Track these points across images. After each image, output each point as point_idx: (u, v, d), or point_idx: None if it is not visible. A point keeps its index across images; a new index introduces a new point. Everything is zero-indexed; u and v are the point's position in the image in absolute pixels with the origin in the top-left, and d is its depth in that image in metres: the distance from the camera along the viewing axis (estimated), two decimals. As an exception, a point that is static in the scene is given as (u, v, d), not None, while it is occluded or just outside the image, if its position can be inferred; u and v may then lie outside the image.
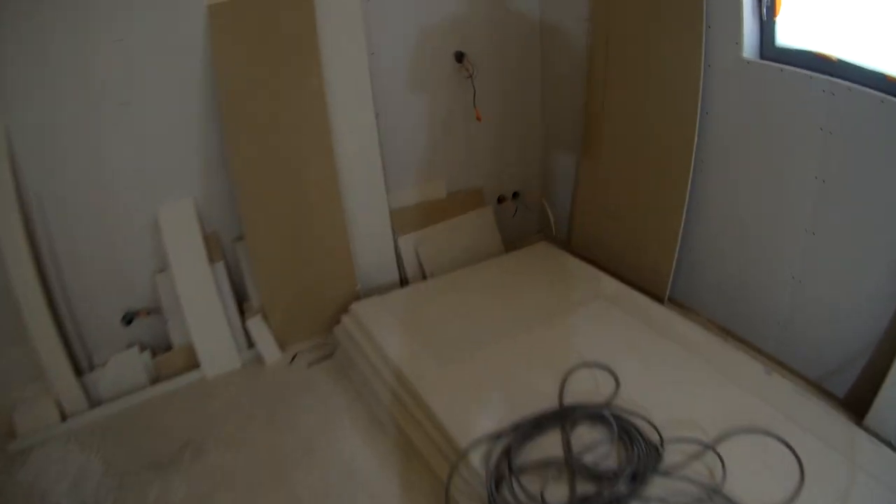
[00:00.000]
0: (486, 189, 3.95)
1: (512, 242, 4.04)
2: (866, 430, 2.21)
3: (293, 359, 3.20)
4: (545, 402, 2.37)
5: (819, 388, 2.65)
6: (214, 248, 3.17)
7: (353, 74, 3.16)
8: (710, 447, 2.07)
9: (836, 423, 2.24)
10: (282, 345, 3.26)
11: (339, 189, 3.23)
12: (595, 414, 2.26)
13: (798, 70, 2.44)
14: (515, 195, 4.15)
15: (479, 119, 3.54)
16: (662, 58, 2.97)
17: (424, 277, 3.60)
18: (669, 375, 2.50)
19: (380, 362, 2.75)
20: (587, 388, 2.46)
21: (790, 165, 2.59)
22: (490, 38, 3.58)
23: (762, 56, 2.64)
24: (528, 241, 4.00)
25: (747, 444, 2.10)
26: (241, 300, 3.39)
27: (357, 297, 3.38)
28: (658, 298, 3.15)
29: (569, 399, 2.40)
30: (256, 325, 3.25)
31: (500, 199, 4.09)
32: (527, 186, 4.16)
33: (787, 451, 2.04)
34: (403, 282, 3.65)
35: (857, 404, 2.41)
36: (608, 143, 3.43)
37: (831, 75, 2.33)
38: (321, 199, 3.20)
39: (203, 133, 3.03)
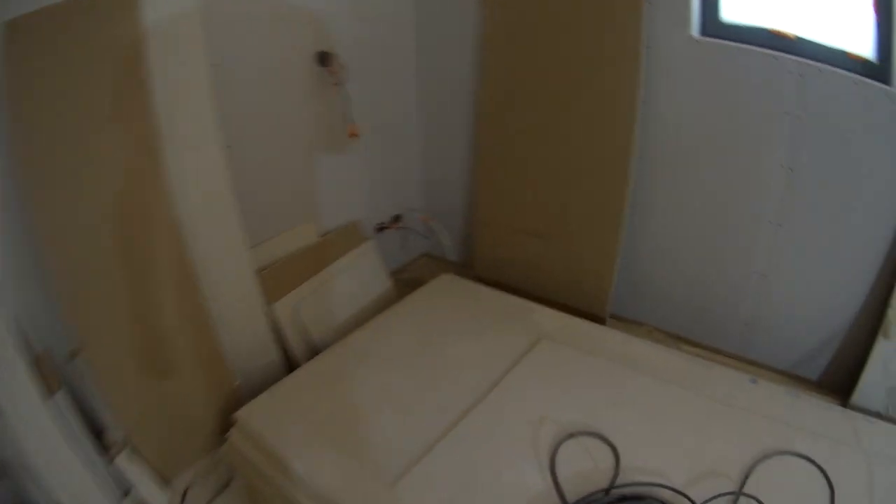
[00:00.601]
0: (364, 219, 3.27)
1: (403, 274, 3.44)
2: (854, 408, 2.21)
3: (183, 498, 2.27)
4: (542, 501, 1.79)
5: (793, 376, 2.59)
6: (50, 373, 2.08)
7: (192, 94, 2.20)
8: (744, 494, 1.79)
9: (835, 414, 2.11)
10: (165, 480, 2.30)
11: (186, 256, 2.30)
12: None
13: (762, 50, 2.17)
14: (397, 218, 3.49)
15: (354, 136, 2.82)
16: (589, 41, 2.49)
17: (315, 350, 2.79)
18: (661, 420, 2.10)
19: (301, 496, 1.95)
20: (583, 469, 1.93)
21: (754, 155, 2.35)
22: (358, 31, 2.88)
23: (704, 34, 2.31)
24: (419, 270, 3.40)
25: (770, 472, 1.87)
26: (98, 433, 2.33)
27: (238, 397, 2.49)
28: (598, 318, 2.72)
29: (567, 489, 1.84)
30: (127, 462, 2.24)
31: (381, 228, 3.39)
32: (409, 207, 3.56)
33: (806, 463, 1.88)
34: (290, 360, 2.80)
35: (836, 384, 2.44)
36: (517, 148, 2.91)
37: (794, 55, 2.12)
38: (166, 274, 2.26)
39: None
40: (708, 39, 2.29)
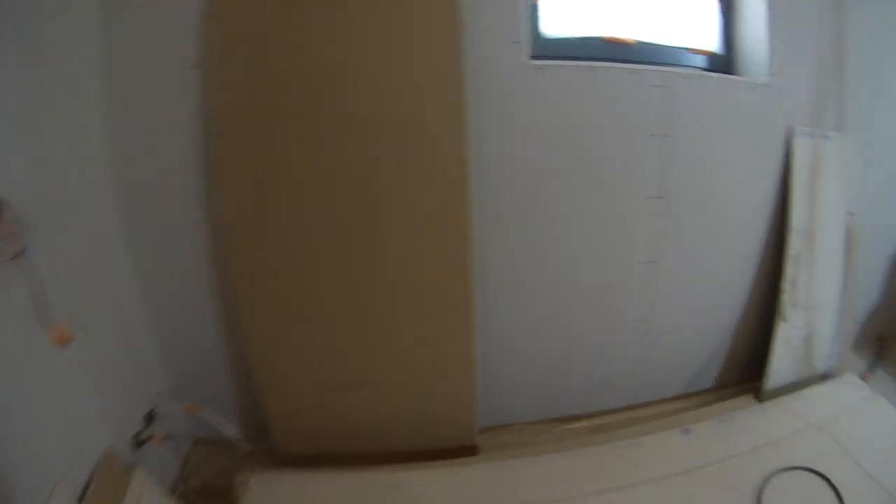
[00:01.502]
0: (114, 443, 1.72)
1: (189, 482, 2.15)
2: (770, 390, 2.28)
3: None
4: None
5: (688, 396, 2.42)
6: None
7: None
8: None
9: (772, 416, 2.22)
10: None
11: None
12: None
13: (614, 66, 1.78)
14: (151, 418, 1.96)
15: (66, 340, 1.46)
16: (396, 90, 1.62)
17: None
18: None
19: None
20: None
21: (617, 191, 1.93)
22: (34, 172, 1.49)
23: (535, 56, 1.75)
24: (204, 470, 2.13)
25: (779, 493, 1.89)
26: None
27: None
28: (468, 449, 2.09)
29: None
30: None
31: (141, 441, 1.87)
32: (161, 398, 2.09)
33: (787, 474, 1.93)
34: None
35: (734, 381, 2.44)
36: (300, 270, 1.81)
37: (644, 63, 1.85)
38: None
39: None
40: (545, 63, 1.73)
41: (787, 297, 2.25)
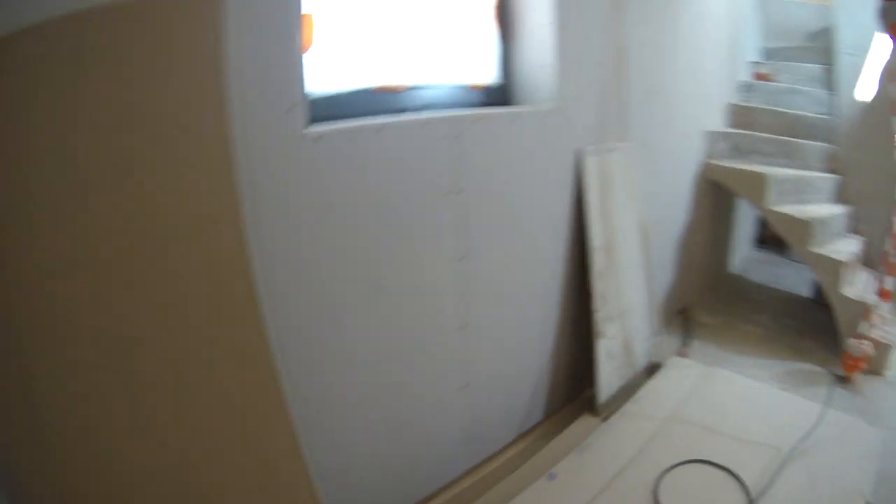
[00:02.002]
0: None
1: None
2: (603, 403, 2.31)
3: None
4: None
5: (528, 433, 2.33)
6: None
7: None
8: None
9: (623, 427, 2.25)
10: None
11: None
12: None
13: (403, 120, 1.52)
14: None
15: None
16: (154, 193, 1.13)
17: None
18: None
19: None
20: None
21: (421, 256, 1.67)
22: None
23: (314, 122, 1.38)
24: None
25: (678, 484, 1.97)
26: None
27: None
28: None
29: None
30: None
31: None
32: None
33: (669, 474, 1.98)
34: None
35: (558, 406, 2.45)
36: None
37: (433, 108, 1.68)
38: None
39: None
40: (325, 129, 1.37)
41: (600, 313, 2.26)
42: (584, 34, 2.10)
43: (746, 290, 4.22)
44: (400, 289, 1.62)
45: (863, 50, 3.71)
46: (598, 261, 2.25)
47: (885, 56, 3.47)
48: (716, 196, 3.61)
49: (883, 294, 2.85)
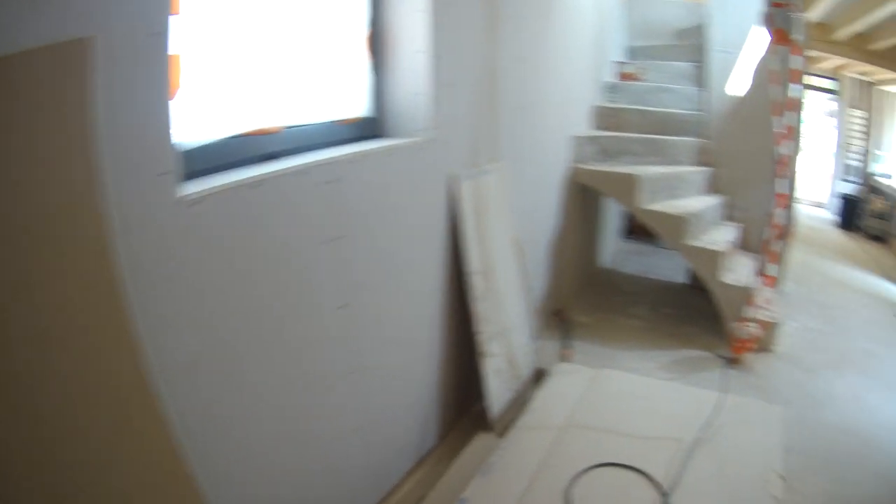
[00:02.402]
0: None
1: None
2: (496, 420, 2.31)
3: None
4: None
5: (426, 458, 2.28)
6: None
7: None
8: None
9: (523, 440, 2.23)
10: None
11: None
12: None
13: (281, 171, 1.41)
14: None
15: None
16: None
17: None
18: None
19: None
20: None
21: (310, 309, 1.60)
22: None
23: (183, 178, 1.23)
24: None
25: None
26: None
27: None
28: None
29: None
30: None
31: None
32: None
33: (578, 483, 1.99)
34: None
35: (448, 427, 2.41)
36: None
37: (306, 150, 1.60)
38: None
39: None
40: (202, 190, 1.22)
41: (483, 334, 2.24)
42: (458, 58, 2.06)
43: (620, 284, 4.29)
44: (290, 340, 1.55)
45: (735, 47, 3.83)
46: (477, 284, 2.23)
47: (760, 53, 3.65)
48: (583, 197, 3.66)
49: (767, 280, 2.88)
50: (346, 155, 1.60)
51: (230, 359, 1.37)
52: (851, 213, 6.91)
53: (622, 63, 4.41)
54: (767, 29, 2.59)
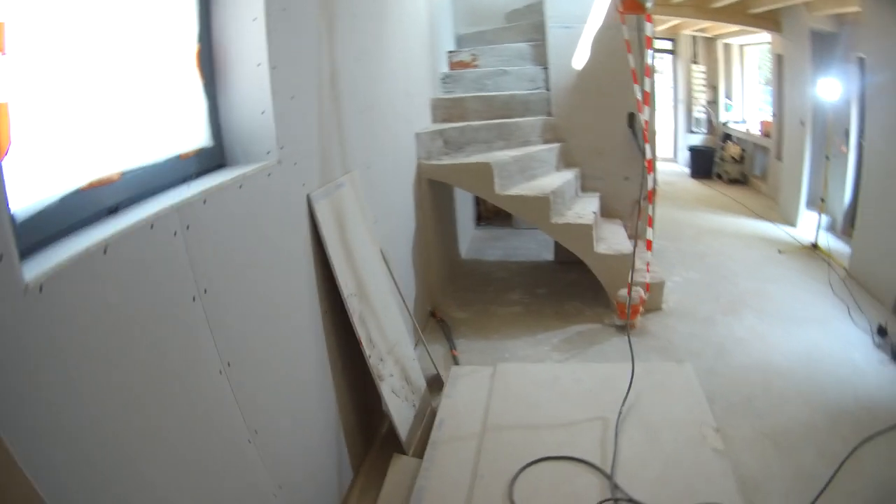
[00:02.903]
0: None
1: None
2: (415, 446, 2.23)
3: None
4: None
5: (349, 494, 2.14)
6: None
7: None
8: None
9: (444, 455, 2.11)
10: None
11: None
12: None
13: (133, 223, 1.16)
14: None
15: None
16: None
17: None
18: None
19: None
20: None
21: (195, 374, 1.37)
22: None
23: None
24: None
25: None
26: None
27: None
28: None
29: None
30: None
31: None
32: None
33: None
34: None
35: (369, 460, 2.28)
36: None
37: (151, 194, 1.35)
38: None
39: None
40: (48, 270, 0.96)
41: (373, 358, 2.11)
42: (297, 67, 1.84)
43: (487, 272, 4.20)
44: (177, 413, 1.32)
45: (577, 20, 3.83)
46: (354, 307, 2.07)
47: (599, 24, 3.77)
48: (436, 192, 3.55)
49: (644, 242, 2.96)
50: (190, 198, 1.34)
51: (111, 440, 1.12)
52: (704, 163, 7.26)
53: (453, 52, 4.27)
54: (616, 3, 2.60)
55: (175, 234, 1.25)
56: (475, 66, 4.19)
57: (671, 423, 2.18)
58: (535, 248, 4.51)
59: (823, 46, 4.75)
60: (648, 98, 2.91)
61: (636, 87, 2.86)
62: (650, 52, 2.89)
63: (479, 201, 5.20)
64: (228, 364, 1.44)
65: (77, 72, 1.14)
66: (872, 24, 3.62)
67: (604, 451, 2.04)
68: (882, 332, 2.93)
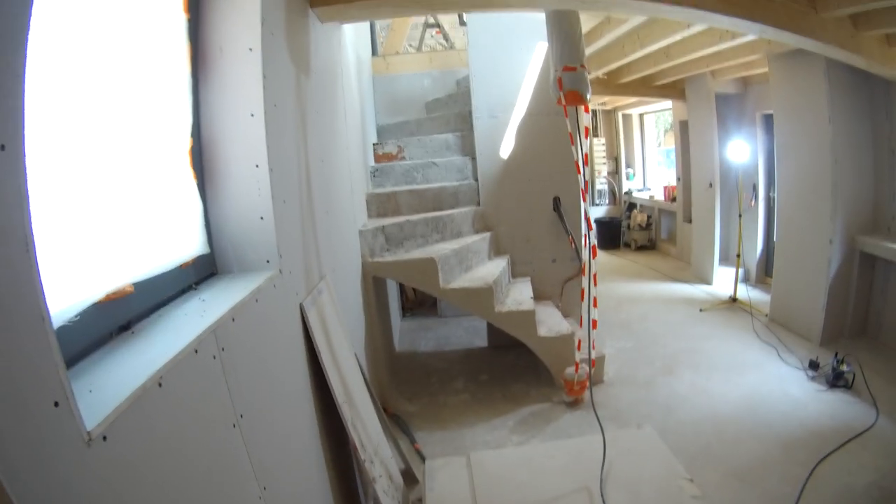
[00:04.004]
0: None
1: None
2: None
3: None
4: None
5: None
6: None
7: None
8: None
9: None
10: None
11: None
12: None
13: (176, 355, 0.73)
14: None
15: None
16: None
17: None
18: None
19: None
20: None
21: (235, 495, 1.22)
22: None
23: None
24: None
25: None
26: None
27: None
28: None
29: None
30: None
31: None
32: None
33: None
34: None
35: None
36: None
37: (158, 307, 1.25)
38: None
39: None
40: (109, 418, 0.81)
41: (364, 462, 2.08)
42: (287, 169, 1.74)
43: (425, 363, 4.15)
44: None
45: (503, 110, 3.94)
46: (346, 413, 2.00)
47: (522, 115, 3.89)
48: (376, 287, 3.47)
49: (593, 324, 2.97)
50: (222, 317, 1.21)
51: None
52: (610, 234, 7.59)
53: (377, 144, 4.31)
54: (559, 92, 2.65)
55: (214, 357, 1.14)
56: (401, 159, 4.23)
57: (648, 482, 2.28)
58: (465, 335, 4.50)
59: (728, 108, 5.14)
60: (587, 186, 3.10)
61: (579, 178, 2.95)
62: (586, 140, 3.00)
63: (402, 292, 5.15)
64: (265, 488, 1.32)
65: (78, 175, 1.02)
66: (780, 82, 3.95)
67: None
68: (814, 365, 3.25)
